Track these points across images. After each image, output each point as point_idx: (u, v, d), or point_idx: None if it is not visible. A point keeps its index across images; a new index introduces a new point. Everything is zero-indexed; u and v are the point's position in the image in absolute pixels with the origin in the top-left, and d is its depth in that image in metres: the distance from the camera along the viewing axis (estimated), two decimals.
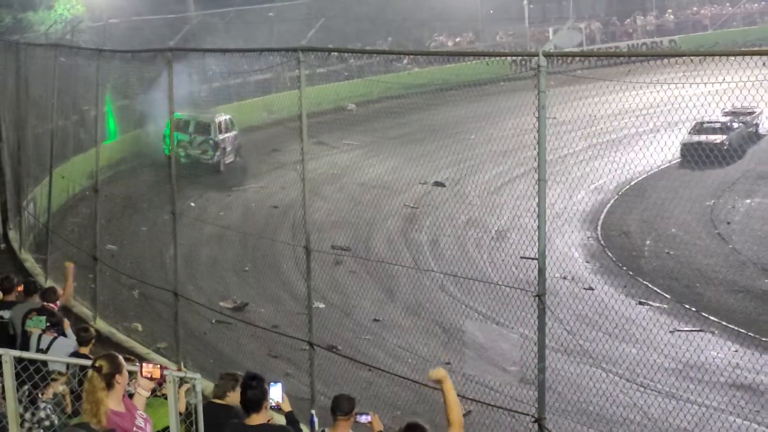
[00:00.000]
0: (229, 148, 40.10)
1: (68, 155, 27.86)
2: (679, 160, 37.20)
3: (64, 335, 14.46)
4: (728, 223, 32.42)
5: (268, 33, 50.67)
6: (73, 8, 48.86)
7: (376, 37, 56.31)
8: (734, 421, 18.31)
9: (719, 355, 23.00)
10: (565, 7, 67.52)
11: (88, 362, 9.73)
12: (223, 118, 41.27)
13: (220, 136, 39.21)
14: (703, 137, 37.05)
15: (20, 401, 9.91)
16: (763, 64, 13.57)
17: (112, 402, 8.89)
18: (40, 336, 14.18)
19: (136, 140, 32.67)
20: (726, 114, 37.79)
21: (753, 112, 40.86)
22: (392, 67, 53.51)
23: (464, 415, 17.82)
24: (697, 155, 34.36)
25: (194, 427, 10.43)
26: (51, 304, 16.25)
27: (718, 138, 37.77)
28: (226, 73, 46.47)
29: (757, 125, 40.05)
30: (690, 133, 35.94)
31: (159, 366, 9.99)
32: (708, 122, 36.89)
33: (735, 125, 40.38)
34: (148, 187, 27.21)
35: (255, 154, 39.73)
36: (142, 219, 26.00)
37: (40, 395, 10.30)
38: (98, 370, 8.94)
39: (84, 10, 48.47)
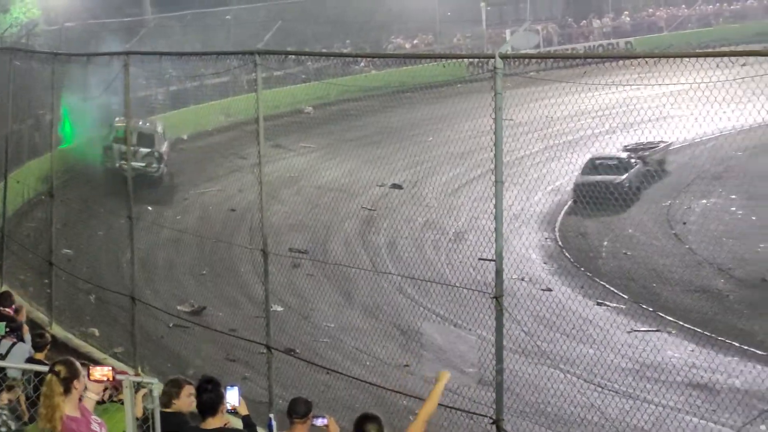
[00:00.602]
0: (164, 157, 39.10)
1: (23, 160, 27.75)
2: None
3: (23, 341, 14.40)
4: (684, 223, 32.60)
5: (226, 36, 50.63)
6: (29, 12, 48.77)
7: (335, 40, 56.36)
8: (691, 420, 18.41)
9: (676, 354, 23.13)
10: (522, 10, 67.86)
11: (45, 368, 9.69)
12: (160, 126, 40.58)
13: (163, 148, 38.52)
14: (599, 177, 34.16)
15: None
16: (717, 65, 13.69)
17: (69, 407, 8.87)
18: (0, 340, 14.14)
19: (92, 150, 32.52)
20: (626, 149, 36.83)
21: (656, 146, 38.77)
22: (349, 70, 53.52)
23: None
24: (591, 197, 32.42)
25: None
26: (7, 309, 16.18)
27: (616, 177, 34.94)
28: (183, 77, 46.51)
29: (662, 162, 37.88)
30: (583, 172, 34.58)
31: (111, 368, 9.95)
32: (603, 158, 35.74)
33: (633, 162, 37.07)
34: (105, 192, 27.11)
35: (212, 159, 39.58)
36: (99, 223, 25.90)
37: None
38: (57, 374, 8.90)
39: (39, 13, 48.37)
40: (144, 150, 35.58)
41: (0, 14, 46.74)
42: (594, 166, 34.45)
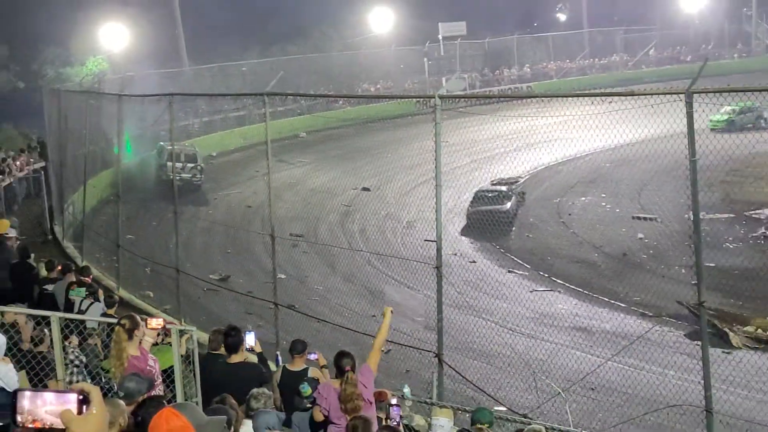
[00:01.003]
0: (185, 175, 38.50)
1: (97, 171, 27.65)
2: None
3: (98, 301, 14.34)
4: (569, 214, 32.68)
5: (243, 82, 50.46)
6: (100, 64, 48.47)
7: (321, 86, 56.15)
8: (575, 353, 18.48)
9: (564, 307, 23.26)
10: (454, 63, 67.74)
11: (114, 321, 9.71)
12: (198, 147, 39.48)
13: (201, 162, 38.22)
14: (489, 207, 31.01)
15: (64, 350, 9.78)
16: (591, 102, 13.79)
17: (132, 349, 8.94)
18: (81, 301, 14.07)
19: (148, 164, 32.29)
20: (496, 183, 34.12)
21: (517, 181, 36.41)
22: (332, 107, 53.42)
23: (386, 353, 17.92)
24: (484, 222, 29.47)
25: (191, 365, 10.35)
26: (86, 278, 16.13)
27: (503, 206, 31.95)
28: (211, 111, 46.39)
29: (523, 193, 37.06)
30: (472, 204, 31.85)
31: (162, 320, 9.99)
32: (488, 191, 32.83)
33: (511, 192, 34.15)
34: (156, 195, 27.08)
35: (234, 170, 39.44)
36: (152, 217, 25.85)
37: (68, 344, 10.14)
38: (123, 326, 8.94)
39: (108, 66, 48.12)
40: (190, 165, 35.50)
41: (79, 66, 46.42)
42: (483, 195, 31.73)
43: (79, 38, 51.66)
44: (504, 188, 32.94)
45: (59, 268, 16.86)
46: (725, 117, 39.85)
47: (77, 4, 50.85)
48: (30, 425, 2.64)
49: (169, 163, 32.10)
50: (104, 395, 8.53)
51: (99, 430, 2.57)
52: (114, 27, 54.02)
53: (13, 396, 2.75)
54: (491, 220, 28.18)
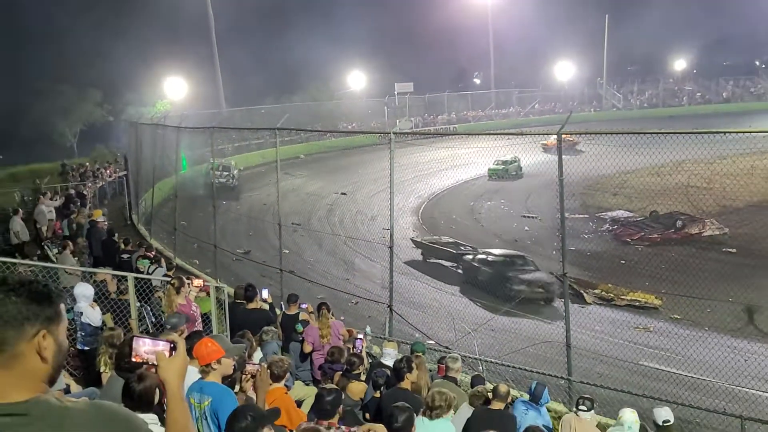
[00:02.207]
0: (235, 177, 38.64)
1: (162, 178, 27.35)
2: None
3: (161, 266, 14.23)
4: (479, 213, 32.78)
5: (261, 119, 50.10)
6: (165, 106, 48.20)
7: (315, 123, 56.02)
8: (481, 306, 18.55)
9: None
10: (404, 110, 67.82)
11: (167, 279, 9.66)
12: (234, 162, 40.25)
13: (234, 171, 38.47)
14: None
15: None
16: (495, 138, 13.79)
17: (180, 299, 8.85)
18: (148, 267, 13.95)
19: (196, 174, 31.95)
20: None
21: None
22: (322, 138, 53.31)
23: (355, 303, 17.93)
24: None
25: (223, 311, 10.30)
26: (150, 252, 16.01)
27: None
28: (239, 139, 46.04)
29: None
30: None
31: (203, 280, 9.92)
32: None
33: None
34: (202, 195, 26.83)
35: (255, 179, 39.17)
36: (198, 209, 25.56)
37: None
38: (172, 285, 8.85)
39: (171, 107, 47.77)
40: (227, 173, 35.59)
41: (150, 107, 46.08)
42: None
43: (150, 86, 51.56)
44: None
45: (132, 244, 16.84)
46: (501, 167, 38.46)
47: (151, 60, 50.54)
48: (133, 359, 2.72)
49: (215, 172, 32.71)
50: (155, 326, 8.49)
51: (180, 370, 2.58)
52: (175, 79, 54.07)
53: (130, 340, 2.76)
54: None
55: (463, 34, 78.27)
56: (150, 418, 4.23)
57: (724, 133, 10.67)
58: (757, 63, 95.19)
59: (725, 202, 27.83)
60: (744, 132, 11.36)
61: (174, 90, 53.94)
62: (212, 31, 56.10)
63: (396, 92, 69.28)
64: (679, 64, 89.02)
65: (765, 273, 20.46)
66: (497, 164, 37.72)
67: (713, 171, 27.31)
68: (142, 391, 4.30)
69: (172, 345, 2.66)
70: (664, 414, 6.04)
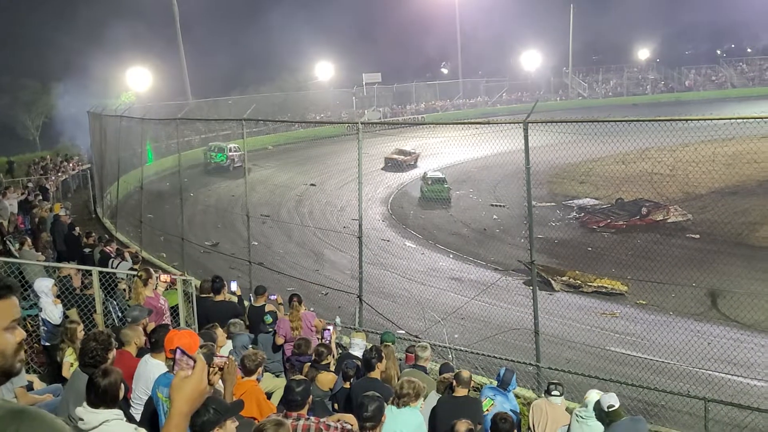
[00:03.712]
0: (236, 160, 38.91)
1: (128, 170, 26.96)
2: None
3: (125, 260, 14.03)
4: (449, 203, 32.89)
5: (229, 111, 49.61)
6: (129, 98, 47.51)
7: (283, 114, 55.62)
8: (450, 295, 18.62)
9: (444, 264, 23.35)
10: (372, 99, 67.67)
11: (133, 273, 9.52)
12: (233, 145, 40.61)
13: (229, 153, 39.22)
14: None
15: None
16: (463, 128, 13.80)
17: (147, 291, 8.72)
18: (112, 260, 13.76)
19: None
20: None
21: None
22: (290, 128, 52.97)
23: (325, 294, 17.87)
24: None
25: (191, 303, 10.20)
26: (110, 246, 15.78)
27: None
28: (207, 131, 45.51)
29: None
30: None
31: (170, 274, 9.78)
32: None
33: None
34: (168, 186, 26.52)
35: (222, 170, 38.78)
36: (165, 202, 25.26)
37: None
38: (140, 277, 8.73)
39: (135, 98, 47.11)
40: (221, 154, 39.26)
41: (115, 98, 45.38)
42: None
43: (114, 77, 50.67)
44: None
45: (93, 238, 16.61)
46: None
47: (114, 51, 49.65)
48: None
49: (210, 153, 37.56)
50: (121, 321, 8.36)
51: (191, 392, 2.40)
52: (139, 70, 53.26)
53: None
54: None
55: (430, 24, 78.33)
56: (114, 414, 4.17)
57: (686, 120, 10.79)
58: (718, 52, 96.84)
59: (688, 188, 28.27)
60: (705, 119, 11.51)
61: (138, 81, 53.16)
62: (177, 22, 55.32)
63: (364, 82, 69.13)
64: (643, 54, 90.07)
65: (727, 258, 20.83)
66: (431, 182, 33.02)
67: (676, 158, 27.69)
68: (106, 387, 4.23)
69: (192, 364, 2.45)
70: (608, 399, 6.13)
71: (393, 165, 38.47)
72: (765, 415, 9.69)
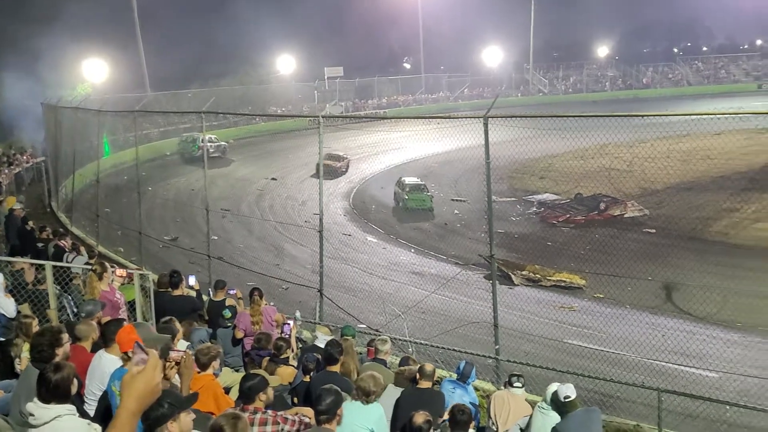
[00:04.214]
0: (211, 150, 38.20)
1: (84, 163, 26.45)
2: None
3: (81, 254, 13.77)
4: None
5: (188, 104, 48.88)
6: (86, 89, 46.61)
7: (244, 107, 55.01)
8: (411, 289, 18.73)
9: (405, 258, 23.46)
10: (334, 93, 67.37)
11: (89, 267, 9.35)
12: (209, 136, 39.41)
13: (201, 144, 37.55)
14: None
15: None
16: (424, 123, 13.82)
17: (103, 286, 8.57)
18: (67, 255, 13.50)
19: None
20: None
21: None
22: (251, 122, 52.59)
23: (285, 289, 17.79)
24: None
25: (148, 298, 10.07)
26: (65, 241, 15.48)
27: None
28: (166, 123, 44.90)
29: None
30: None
31: (126, 269, 9.64)
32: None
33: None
34: (126, 180, 26.04)
35: (182, 164, 38.26)
36: (123, 195, 24.78)
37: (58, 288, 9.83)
38: (94, 271, 8.59)
39: (91, 90, 46.23)
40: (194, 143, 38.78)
41: (69, 90, 44.40)
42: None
43: (70, 68, 49.51)
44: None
45: (47, 232, 16.28)
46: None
47: (70, 42, 48.45)
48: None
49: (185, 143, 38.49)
50: (76, 316, 8.22)
51: (142, 389, 2.32)
52: (96, 62, 52.15)
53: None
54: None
55: (393, 19, 78.32)
56: (67, 409, 4.11)
57: (643, 116, 10.99)
58: (675, 50, 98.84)
59: (645, 184, 28.80)
60: (661, 115, 11.74)
61: (95, 73, 52.09)
62: (135, 11, 54.38)
63: (326, 76, 68.86)
64: (602, 51, 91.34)
65: (682, 252, 21.29)
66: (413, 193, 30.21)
67: (634, 154, 28.20)
68: (57, 382, 4.16)
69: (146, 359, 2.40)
70: (565, 390, 6.23)
71: (325, 171, 35.47)
72: (716, 404, 9.94)
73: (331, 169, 34.76)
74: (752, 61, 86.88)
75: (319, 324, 11.93)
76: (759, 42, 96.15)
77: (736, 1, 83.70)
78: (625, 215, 26.98)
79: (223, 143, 42.37)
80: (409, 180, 31.23)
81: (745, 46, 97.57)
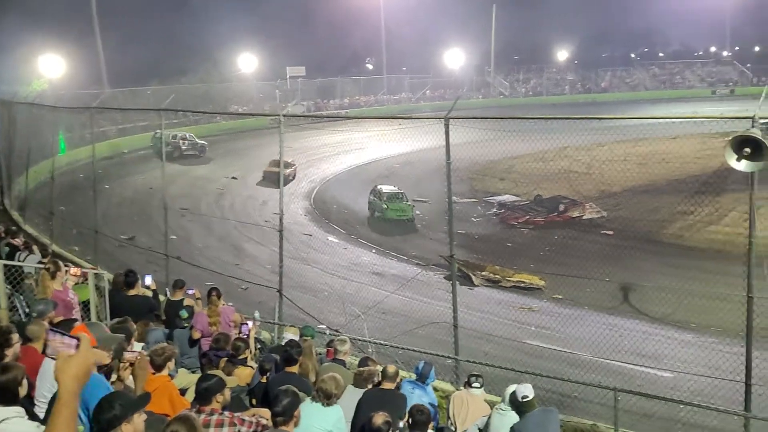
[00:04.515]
0: (184, 147, 40.04)
1: (38, 161, 25.81)
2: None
3: (33, 253, 13.45)
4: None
5: (147, 101, 48.02)
6: (41, 85, 45.61)
7: (205, 106, 54.38)
8: (372, 289, 18.71)
9: (366, 258, 23.46)
10: (296, 92, 66.96)
11: (42, 266, 9.13)
12: (182, 134, 41.76)
13: (172, 140, 38.99)
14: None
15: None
16: (387, 123, 13.80)
17: (56, 285, 8.37)
18: (19, 254, 13.17)
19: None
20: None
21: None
22: (212, 120, 52.02)
23: (245, 289, 17.62)
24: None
25: (103, 298, 9.89)
26: (16, 239, 15.11)
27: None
28: (123, 121, 44.16)
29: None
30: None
31: (80, 268, 9.43)
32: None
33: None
34: (82, 178, 25.50)
35: (140, 162, 37.62)
36: (79, 194, 24.23)
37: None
38: (47, 269, 8.38)
39: (47, 86, 45.24)
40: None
41: (25, 86, 43.41)
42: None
43: (27, 64, 48.40)
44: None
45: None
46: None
47: (26, 36, 47.36)
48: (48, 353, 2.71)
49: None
50: (28, 316, 8.02)
51: (77, 372, 2.47)
52: (52, 57, 51.00)
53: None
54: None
55: (355, 19, 78.28)
56: (15, 411, 3.98)
57: (600, 119, 11.13)
58: (633, 55, 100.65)
59: (603, 186, 29.24)
60: (617, 118, 11.92)
61: (51, 68, 50.97)
62: (93, 6, 53.45)
63: (288, 76, 68.50)
64: (562, 55, 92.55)
65: (639, 254, 21.63)
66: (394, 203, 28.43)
67: (593, 157, 28.63)
68: (5, 383, 4.03)
69: (77, 342, 2.54)
70: (523, 390, 6.28)
71: (272, 179, 31.44)
72: (671, 404, 10.11)
73: (278, 176, 32.00)
74: (706, 67, 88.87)
75: (288, 326, 11.81)
76: (713, 49, 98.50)
77: (690, 10, 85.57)
78: (584, 217, 27.35)
79: (200, 142, 42.34)
80: (387, 188, 29.35)
81: (700, 53, 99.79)
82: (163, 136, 18.39)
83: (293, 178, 35.45)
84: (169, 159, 35.50)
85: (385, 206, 28.03)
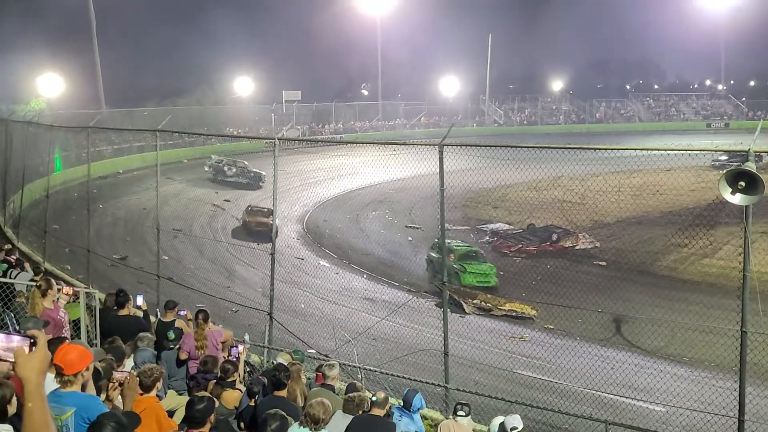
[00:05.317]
0: (230, 173, 40.61)
1: (33, 179, 25.78)
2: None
3: (26, 271, 13.42)
4: (365, 223, 32.97)
5: (144, 121, 48.20)
6: (39, 104, 45.80)
7: (198, 127, 54.51)
8: (362, 315, 18.66)
9: (358, 284, 23.41)
10: (291, 116, 67.24)
11: (34, 284, 9.12)
12: (231, 160, 42.17)
13: (219, 165, 40.41)
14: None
15: None
16: (380, 149, 13.88)
17: (47, 303, 8.36)
18: (11, 272, 13.14)
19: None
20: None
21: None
22: (207, 142, 52.11)
23: (235, 312, 17.57)
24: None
25: (94, 317, 9.88)
26: (11, 256, 15.08)
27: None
28: (120, 140, 44.26)
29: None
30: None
31: (72, 287, 9.44)
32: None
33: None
34: (76, 197, 25.50)
35: (135, 183, 37.62)
36: (72, 213, 24.22)
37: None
38: (39, 287, 8.39)
39: (45, 105, 45.43)
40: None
41: (24, 105, 43.55)
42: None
43: (25, 82, 48.66)
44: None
45: None
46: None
47: (26, 55, 47.59)
48: None
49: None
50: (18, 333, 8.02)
51: (41, 366, 2.58)
52: (51, 76, 51.27)
53: None
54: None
55: (352, 45, 79.01)
56: (5, 429, 3.99)
57: (594, 149, 11.22)
58: (627, 87, 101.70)
59: (597, 217, 29.33)
60: (613, 148, 12.02)
61: (50, 87, 51.21)
62: (93, 28, 53.78)
63: (284, 100, 68.88)
64: (557, 85, 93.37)
65: (632, 285, 21.71)
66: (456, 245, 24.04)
67: (587, 187, 28.77)
68: None
69: (32, 340, 2.61)
70: (512, 421, 6.29)
71: (253, 231, 27.38)
72: None
73: (260, 225, 26.46)
74: (701, 100, 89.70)
75: (281, 350, 11.78)
76: (708, 82, 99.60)
77: (686, 42, 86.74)
78: (577, 247, 27.43)
79: (254, 171, 39.72)
80: (458, 245, 24.30)
81: (695, 86, 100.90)
82: (158, 160, 18.32)
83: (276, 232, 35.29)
84: (228, 185, 36.10)
85: (461, 267, 22.43)
